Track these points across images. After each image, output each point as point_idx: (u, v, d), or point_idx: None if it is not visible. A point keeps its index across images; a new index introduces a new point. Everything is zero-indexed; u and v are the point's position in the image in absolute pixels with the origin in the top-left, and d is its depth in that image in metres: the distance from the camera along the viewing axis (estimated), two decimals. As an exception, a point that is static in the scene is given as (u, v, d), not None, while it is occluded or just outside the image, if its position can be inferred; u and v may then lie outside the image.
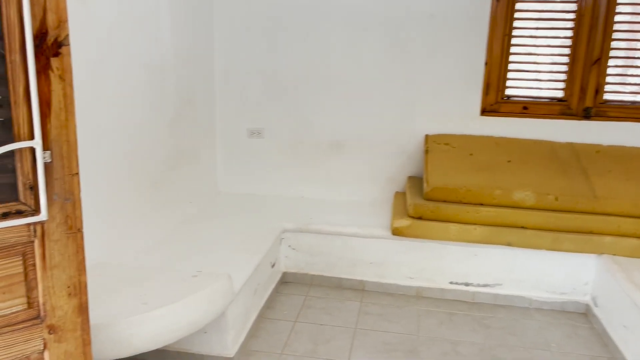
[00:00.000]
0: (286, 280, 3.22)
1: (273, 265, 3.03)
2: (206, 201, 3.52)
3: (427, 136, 3.45)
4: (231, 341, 2.36)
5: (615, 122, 3.29)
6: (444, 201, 2.98)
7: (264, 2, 3.45)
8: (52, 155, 1.28)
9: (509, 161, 3.18)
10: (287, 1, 3.44)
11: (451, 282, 3.07)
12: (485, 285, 3.04)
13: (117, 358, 1.86)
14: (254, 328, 2.65)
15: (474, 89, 3.39)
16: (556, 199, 2.87)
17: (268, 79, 3.58)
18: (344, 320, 2.81)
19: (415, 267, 3.08)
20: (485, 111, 3.42)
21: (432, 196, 2.98)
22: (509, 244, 2.89)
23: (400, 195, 3.45)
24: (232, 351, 2.36)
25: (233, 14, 3.50)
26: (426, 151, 3.30)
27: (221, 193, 3.77)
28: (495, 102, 3.40)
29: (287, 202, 3.59)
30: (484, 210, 2.90)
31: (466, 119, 3.44)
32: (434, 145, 3.35)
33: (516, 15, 3.25)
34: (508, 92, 3.38)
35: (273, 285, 3.04)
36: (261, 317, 2.78)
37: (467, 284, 3.05)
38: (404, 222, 2.97)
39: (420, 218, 2.97)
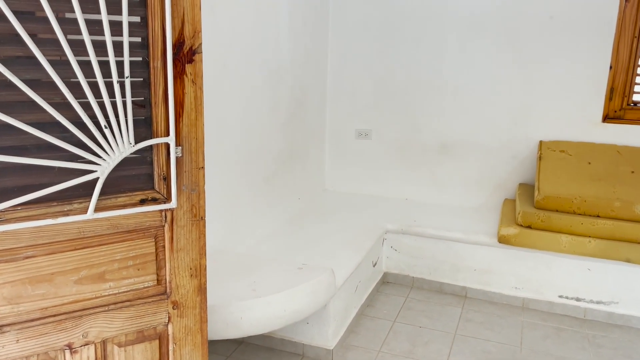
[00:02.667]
0: (387, 281, 3.27)
1: (374, 265, 3.09)
2: (313, 198, 3.66)
3: (541, 142, 3.31)
4: (332, 334, 2.46)
5: None
6: (556, 211, 2.86)
7: (378, 6, 3.52)
8: (182, 151, 1.45)
9: (633, 172, 2.97)
10: (400, 5, 3.47)
11: (560, 296, 2.93)
12: (599, 302, 2.87)
13: (228, 338, 2.03)
14: (353, 324, 2.73)
15: (596, 94, 3.20)
16: (686, 215, 2.63)
17: (378, 81, 3.64)
18: (443, 325, 2.80)
19: (522, 277, 2.98)
20: (607, 118, 3.21)
21: (543, 205, 2.87)
22: (628, 260, 2.70)
23: (509, 203, 3.35)
24: (332, 343, 2.46)
25: (347, 17, 3.60)
26: (539, 158, 3.17)
27: (327, 191, 3.89)
28: (620, 109, 3.18)
29: (391, 203, 3.63)
30: (601, 223, 2.74)
31: (586, 125, 3.26)
32: (549, 152, 3.21)
33: (648, 15, 3.02)
34: (636, 97, 3.15)
35: (374, 284, 3.10)
36: (361, 314, 2.85)
37: (578, 299, 2.90)
38: (512, 230, 2.88)
39: (529, 227, 2.87)
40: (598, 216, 2.78)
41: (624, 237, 2.71)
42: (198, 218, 1.52)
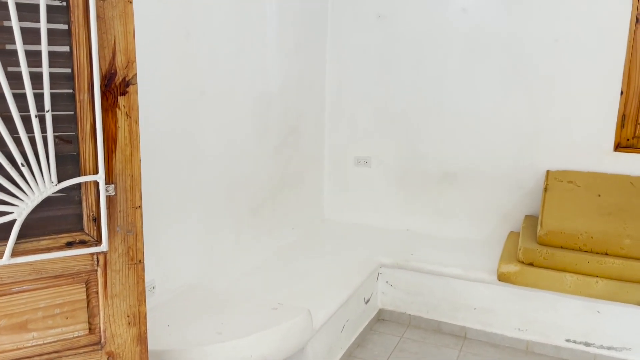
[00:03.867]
0: (382, 318, 3.08)
1: (367, 301, 2.91)
2: (309, 228, 3.52)
3: (548, 172, 3.11)
4: (311, 379, 2.30)
5: None
6: (560, 247, 2.65)
7: (377, 30, 3.41)
8: (116, 189, 1.34)
9: (647, 205, 2.74)
10: (400, 29, 3.35)
11: (568, 340, 2.70)
12: (610, 348, 2.63)
13: (189, 385, 1.89)
14: (339, 366, 2.55)
15: (606, 121, 2.99)
16: None
17: (378, 107, 3.51)
18: (437, 369, 2.60)
19: (526, 318, 2.76)
20: (620, 146, 2.99)
21: (547, 241, 2.67)
22: (639, 304, 2.47)
23: (514, 236, 3.14)
24: (311, 389, 2.30)
25: (346, 42, 3.50)
26: (545, 189, 2.97)
27: (326, 220, 3.75)
28: (634, 137, 2.96)
29: (391, 234, 3.46)
30: (609, 262, 2.52)
31: (596, 154, 3.05)
32: (555, 182, 3.01)
33: (661, 37, 2.82)
34: (649, 125, 2.94)
35: (366, 322, 2.92)
36: (349, 355, 2.68)
37: (587, 344, 2.66)
38: (512, 268, 2.68)
39: (531, 264, 2.66)
40: (606, 254, 2.56)
41: (635, 278, 2.48)
42: (135, 261, 1.40)
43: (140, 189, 1.38)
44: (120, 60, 1.29)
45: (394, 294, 3.05)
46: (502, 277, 2.71)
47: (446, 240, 3.35)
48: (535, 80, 3.10)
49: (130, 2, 1.29)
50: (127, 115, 1.32)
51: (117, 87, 1.30)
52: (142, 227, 1.40)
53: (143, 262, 1.42)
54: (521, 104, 3.16)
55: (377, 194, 3.62)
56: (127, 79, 1.31)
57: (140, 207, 1.39)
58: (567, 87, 3.04)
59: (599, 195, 2.86)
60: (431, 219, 3.50)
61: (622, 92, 2.94)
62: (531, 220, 3.10)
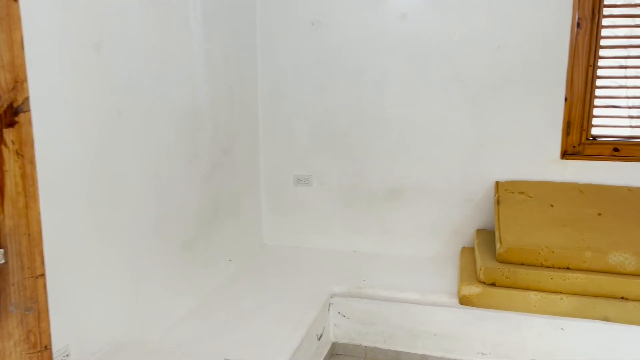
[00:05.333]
0: (336, 352, 2.81)
1: (320, 337, 2.63)
2: (248, 257, 3.20)
3: (497, 183, 2.99)
4: None
5: None
6: (521, 264, 2.51)
7: (312, 39, 3.16)
8: (6, 255, 0.98)
9: (600, 214, 2.67)
10: (337, 37, 3.13)
11: (533, 361, 2.56)
12: (575, 366, 2.51)
13: None
14: (295, 418, 2.25)
15: (552, 128, 2.92)
16: (665, 263, 2.33)
17: (317, 122, 3.26)
18: (403, 409, 2.37)
19: (490, 341, 2.60)
20: (566, 154, 2.93)
21: (507, 258, 2.52)
22: (605, 319, 2.37)
23: (467, 252, 2.99)
24: None
25: (279, 53, 3.22)
26: (497, 202, 2.84)
27: (265, 246, 3.44)
28: (579, 144, 2.90)
29: (338, 257, 3.21)
30: (572, 277, 2.40)
31: (544, 163, 2.96)
32: (507, 194, 2.89)
33: (602, 42, 2.78)
34: (594, 131, 2.89)
35: (320, 360, 2.64)
36: (305, 402, 2.38)
37: (552, 364, 2.54)
38: (474, 290, 2.51)
39: (493, 284, 2.50)
40: (568, 268, 2.45)
41: (599, 292, 2.38)
42: (40, 349, 1.04)
43: (42, 251, 1.03)
44: (3, 80, 0.94)
45: (348, 325, 2.79)
46: (464, 300, 2.52)
47: (396, 259, 3.15)
48: (478, 89, 2.98)
49: (16, 1, 0.95)
50: (17, 153, 0.97)
51: (2, 116, 0.95)
52: (46, 301, 1.04)
53: (50, 348, 1.06)
54: (466, 114, 3.02)
55: (320, 214, 3.37)
56: (15, 104, 0.96)
57: (43, 275, 1.03)
58: (511, 94, 2.94)
59: (552, 206, 2.77)
60: (379, 238, 3.29)
61: (566, 99, 2.87)
62: (484, 235, 2.96)
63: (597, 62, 2.80)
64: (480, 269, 2.52)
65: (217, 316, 2.42)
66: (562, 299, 2.40)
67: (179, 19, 2.39)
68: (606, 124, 2.87)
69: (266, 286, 2.77)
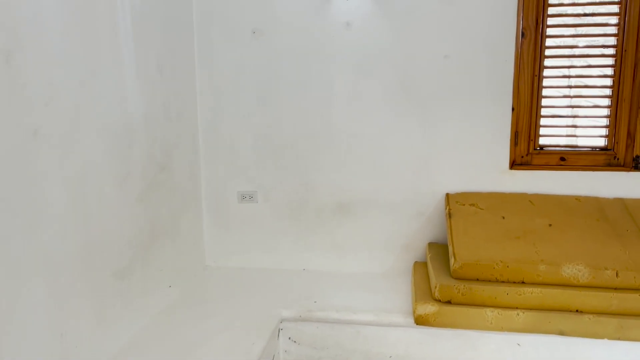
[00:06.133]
0: (287, 380, 2.65)
1: (270, 366, 2.46)
2: (190, 281, 2.98)
3: (448, 195, 2.93)
4: None
5: (672, 172, 2.77)
6: (477, 280, 2.43)
7: (254, 48, 3.00)
8: None
9: (550, 225, 2.65)
10: (280, 46, 2.98)
11: (490, 378, 2.48)
12: (532, 381, 2.45)
13: None
14: None
15: (500, 138, 2.89)
16: (617, 274, 2.32)
17: (262, 135, 3.09)
18: None
19: (445, 360, 2.51)
20: (515, 164, 2.90)
21: (462, 274, 2.44)
22: (561, 333, 2.32)
23: (420, 267, 2.90)
24: None
25: (219, 61, 3.04)
26: (449, 215, 2.77)
27: (209, 268, 3.22)
28: (527, 154, 2.88)
29: (287, 277, 3.04)
30: (527, 291, 2.35)
31: (493, 173, 2.93)
32: (458, 206, 2.82)
33: (547, 52, 2.77)
34: (542, 141, 2.88)
35: (270, 391, 2.47)
36: None
37: (509, 380, 2.47)
38: (430, 308, 2.41)
39: (449, 302, 2.41)
40: (523, 282, 2.39)
41: (554, 305, 2.34)
42: None
43: None
44: None
45: (299, 351, 2.63)
46: (420, 320, 2.42)
47: (348, 277, 3.02)
48: (427, 99, 2.91)
49: None
50: None
51: None
52: None
53: None
54: (415, 125, 2.95)
55: (266, 232, 3.19)
56: None
57: None
58: (459, 105, 2.89)
59: (504, 217, 2.72)
60: (329, 254, 3.15)
61: (513, 108, 2.85)
62: (436, 249, 2.89)
63: (543, 72, 2.79)
64: (436, 287, 2.43)
65: (156, 351, 2.20)
66: (518, 315, 2.34)
67: (106, 25, 2.17)
68: (552, 134, 2.87)
69: (210, 313, 2.57)
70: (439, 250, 2.86)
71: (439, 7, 2.81)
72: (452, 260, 2.48)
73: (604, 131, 2.80)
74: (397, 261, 3.09)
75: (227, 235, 3.23)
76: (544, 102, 2.82)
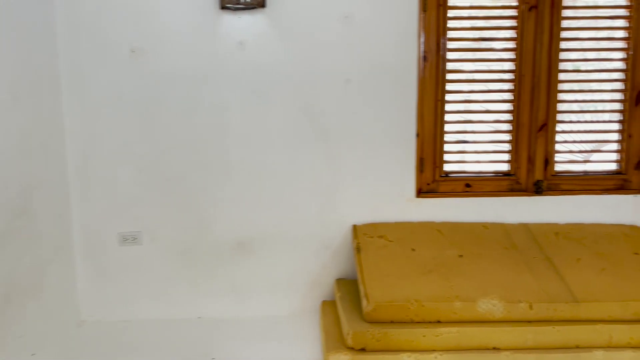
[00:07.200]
0: None
1: None
2: (61, 345, 2.49)
3: (355, 227, 2.74)
4: None
5: (568, 195, 2.80)
6: (391, 322, 2.24)
7: (134, 69, 2.62)
8: None
9: (461, 256, 2.54)
10: (164, 67, 2.63)
11: None
12: None
13: None
14: None
15: (406, 166, 2.76)
16: (530, 307, 2.24)
17: (146, 167, 2.70)
18: None
19: (361, 413, 2.28)
20: (421, 192, 2.78)
21: (376, 317, 2.24)
22: (480, 374, 2.20)
23: (329, 307, 2.67)
24: None
25: (90, 86, 2.62)
26: (357, 249, 2.58)
27: (85, 324, 2.75)
28: (433, 181, 2.78)
29: (180, 328, 2.67)
30: (445, 332, 2.20)
31: (400, 202, 2.79)
32: (366, 239, 2.64)
33: (448, 76, 2.70)
34: (447, 167, 2.79)
35: None
36: None
37: None
38: (343, 358, 2.17)
39: (363, 350, 2.19)
40: (439, 322, 2.24)
41: (471, 345, 2.20)
42: None
43: None
44: None
45: (196, 419, 2.27)
46: (333, 373, 2.18)
47: (250, 323, 2.71)
48: (330, 125, 2.71)
49: None
50: None
51: None
52: None
53: None
54: (318, 153, 2.73)
55: (154, 277, 2.79)
56: None
57: None
58: (364, 131, 2.72)
59: (414, 250, 2.58)
60: (228, 299, 2.82)
61: (417, 134, 2.74)
62: (345, 286, 2.67)
63: (445, 96, 2.71)
64: (348, 334, 2.20)
65: None
66: (436, 358, 2.18)
67: None
68: (457, 160, 2.79)
69: (85, 387, 2.14)
70: (348, 287, 2.65)
71: (339, 28, 2.63)
72: (364, 302, 2.27)
73: (506, 156, 2.77)
74: (304, 301, 2.84)
75: (107, 284, 2.78)
76: (447, 127, 2.74)
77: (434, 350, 2.19)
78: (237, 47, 2.64)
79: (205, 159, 2.71)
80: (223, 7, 2.59)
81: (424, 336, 2.19)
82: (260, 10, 2.61)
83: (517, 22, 2.65)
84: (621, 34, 2.68)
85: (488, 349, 2.21)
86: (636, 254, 2.57)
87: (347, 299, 2.51)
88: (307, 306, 2.83)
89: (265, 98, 2.67)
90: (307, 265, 2.82)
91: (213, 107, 2.67)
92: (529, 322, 2.24)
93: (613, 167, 2.80)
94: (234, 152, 2.71)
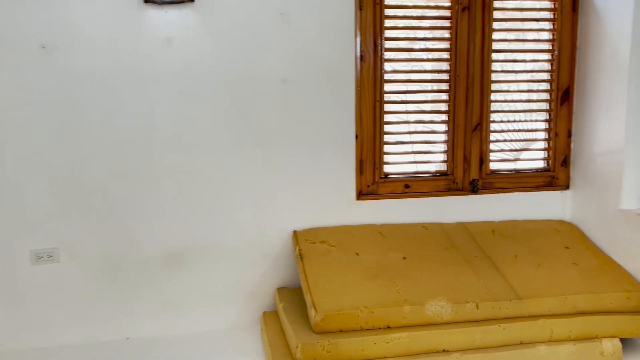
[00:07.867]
0: None
1: None
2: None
3: (296, 233, 2.63)
4: None
5: (502, 193, 2.85)
6: (341, 331, 2.15)
7: (46, 67, 2.34)
8: None
9: (405, 258, 2.51)
10: (81, 65, 2.38)
11: None
12: None
13: None
14: None
15: (346, 168, 2.69)
16: (477, 306, 2.24)
17: (62, 176, 2.43)
18: None
19: None
20: (362, 194, 2.72)
21: (324, 327, 2.14)
22: (432, 378, 2.16)
23: (271, 319, 2.53)
24: None
25: (-8, 85, 2.31)
26: (300, 256, 2.47)
27: (-6, 356, 2.43)
28: (373, 182, 2.73)
29: (104, 353, 2.42)
30: (395, 337, 2.14)
31: (341, 205, 2.71)
32: (308, 245, 2.54)
33: (386, 77, 2.66)
34: (386, 169, 2.75)
35: None
36: None
37: None
38: (292, 374, 2.06)
39: (313, 363, 2.09)
40: (389, 327, 2.18)
41: (421, 349, 2.16)
42: None
43: None
44: None
45: None
46: (283, 391, 2.05)
47: (185, 341, 2.51)
48: (267, 128, 2.58)
49: None
50: None
51: None
52: None
53: None
54: (255, 157, 2.59)
55: (74, 298, 2.52)
56: None
57: None
58: (303, 133, 2.61)
59: (357, 254, 2.51)
60: (159, 316, 2.60)
61: (357, 136, 2.67)
62: (288, 295, 2.55)
63: (383, 97, 2.67)
64: (297, 347, 2.08)
65: None
66: (388, 365, 2.12)
67: None
68: (397, 161, 2.76)
69: None
70: (291, 297, 2.53)
71: (274, 26, 2.51)
72: (312, 312, 2.16)
73: (443, 156, 2.78)
74: (243, 313, 2.68)
75: (18, 308, 2.47)
76: (386, 128, 2.70)
77: (386, 357, 2.13)
78: (163, 44, 2.44)
79: (129, 167, 2.48)
80: (147, 1, 2.38)
81: (374, 343, 2.12)
82: (188, 4, 2.43)
83: (451, 22, 2.66)
84: (546, 35, 2.77)
85: (438, 351, 2.18)
86: (567, 248, 2.66)
87: (291, 309, 2.39)
88: (246, 318, 2.68)
89: (198, 99, 2.49)
90: (245, 275, 2.67)
91: (138, 109, 2.45)
92: (476, 321, 2.24)
93: (541, 164, 2.89)
94: (161, 157, 2.50)
